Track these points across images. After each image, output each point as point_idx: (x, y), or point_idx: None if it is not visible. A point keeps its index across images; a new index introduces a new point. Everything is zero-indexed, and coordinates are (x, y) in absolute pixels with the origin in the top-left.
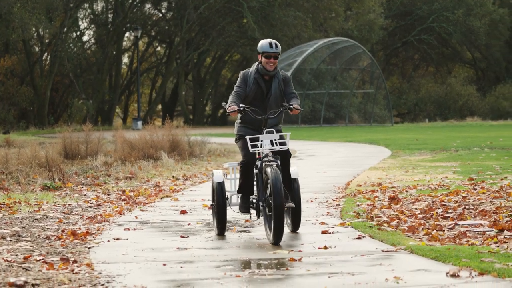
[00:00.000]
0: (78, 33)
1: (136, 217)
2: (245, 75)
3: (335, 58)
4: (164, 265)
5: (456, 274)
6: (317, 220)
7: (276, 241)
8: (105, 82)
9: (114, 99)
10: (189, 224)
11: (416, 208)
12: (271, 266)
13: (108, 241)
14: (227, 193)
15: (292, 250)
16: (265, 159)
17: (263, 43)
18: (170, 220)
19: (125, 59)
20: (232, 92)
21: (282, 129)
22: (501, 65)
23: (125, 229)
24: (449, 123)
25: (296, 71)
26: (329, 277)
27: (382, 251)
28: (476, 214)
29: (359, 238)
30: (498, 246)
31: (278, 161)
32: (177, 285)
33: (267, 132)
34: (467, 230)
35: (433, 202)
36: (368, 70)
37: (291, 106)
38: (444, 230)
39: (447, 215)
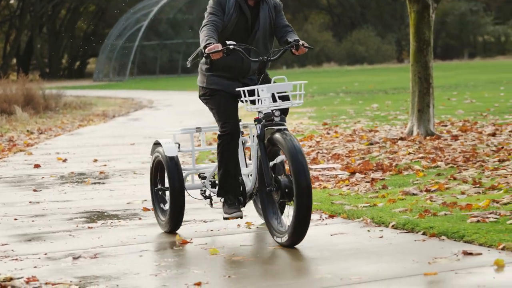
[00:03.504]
0: None
1: None
2: None
3: (191, 7)
4: (15, 219)
5: None
6: None
7: (298, 240)
8: None
9: None
10: (42, 177)
11: None
12: (124, 217)
13: None
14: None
15: (146, 200)
16: (267, 122)
17: None
18: (23, 175)
19: None
20: (204, 23)
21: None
22: (356, 11)
23: None
24: (307, 69)
25: (152, 21)
26: (182, 225)
27: None
28: (329, 158)
29: None
30: (349, 189)
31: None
32: (28, 239)
33: (267, 82)
34: (319, 174)
35: None
36: None
37: (299, 43)
38: None
39: None
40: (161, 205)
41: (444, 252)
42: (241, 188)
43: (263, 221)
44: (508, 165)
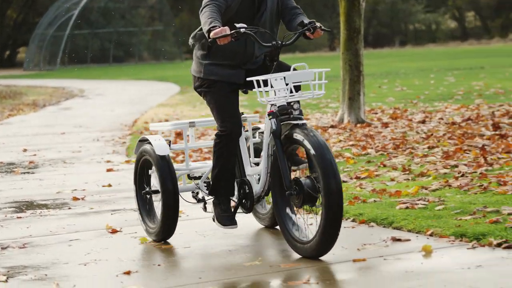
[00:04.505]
0: None
1: None
2: None
3: None
4: None
5: None
6: (102, 158)
7: (327, 248)
8: None
9: None
10: None
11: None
12: (54, 206)
13: None
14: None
15: (76, 190)
16: (283, 116)
17: None
18: None
19: None
20: (205, 3)
21: None
22: None
23: None
24: None
25: (83, 10)
26: (111, 214)
27: None
28: None
29: None
30: None
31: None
32: None
33: (287, 70)
34: None
35: None
36: (156, 7)
37: (316, 25)
38: None
39: None
40: (149, 211)
41: (373, 238)
42: (247, 191)
43: (262, 226)
44: (437, 152)
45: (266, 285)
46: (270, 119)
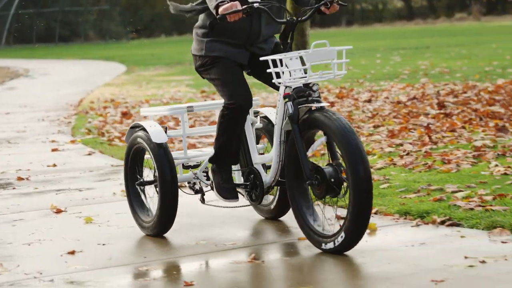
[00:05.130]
0: None
1: None
2: None
3: None
4: None
5: None
6: (47, 138)
7: (355, 242)
8: None
9: None
10: None
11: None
12: None
13: None
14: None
15: (20, 170)
16: (301, 99)
17: None
18: None
19: None
20: None
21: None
22: None
23: None
24: (186, 37)
25: None
26: (56, 194)
27: (112, 165)
28: (208, 125)
29: (89, 154)
30: None
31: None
32: None
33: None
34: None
35: None
36: None
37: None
38: None
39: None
40: (142, 203)
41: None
42: (256, 181)
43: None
44: (382, 130)
45: (212, 264)
46: (286, 102)
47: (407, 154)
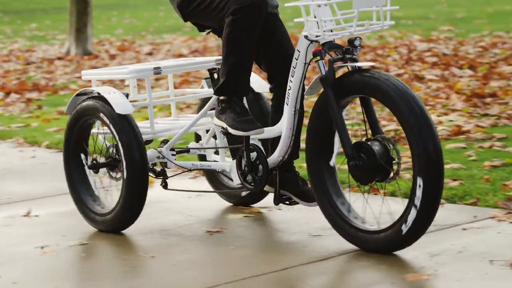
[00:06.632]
0: None
1: None
2: None
3: None
4: None
5: None
6: None
7: (421, 233)
8: None
9: None
10: None
11: None
12: None
13: None
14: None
15: None
16: (337, 56)
17: None
18: None
19: None
20: None
21: None
22: None
23: None
24: None
25: None
26: None
27: None
28: None
29: None
30: (3, 109)
31: None
32: None
33: None
34: None
35: None
36: None
37: None
38: None
39: None
40: (92, 191)
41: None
42: (256, 161)
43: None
44: (164, 84)
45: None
46: (316, 61)
47: None
